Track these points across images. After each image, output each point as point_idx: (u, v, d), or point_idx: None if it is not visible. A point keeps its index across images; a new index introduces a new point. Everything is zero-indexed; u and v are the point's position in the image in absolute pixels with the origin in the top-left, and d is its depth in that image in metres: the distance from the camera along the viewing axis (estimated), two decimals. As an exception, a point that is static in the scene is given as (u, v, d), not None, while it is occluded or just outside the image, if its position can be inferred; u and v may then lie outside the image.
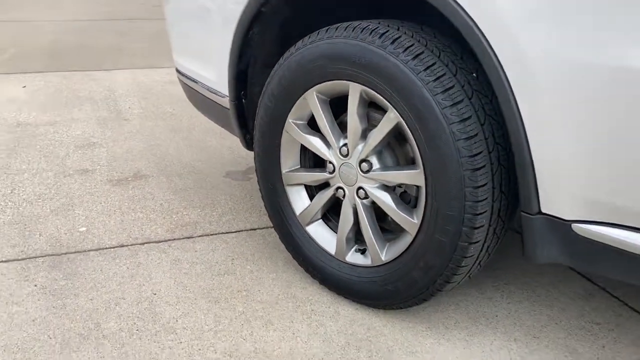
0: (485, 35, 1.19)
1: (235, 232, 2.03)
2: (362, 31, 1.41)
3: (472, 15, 1.20)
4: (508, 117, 1.21)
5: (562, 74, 1.11)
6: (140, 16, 6.66)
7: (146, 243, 1.94)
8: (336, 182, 1.59)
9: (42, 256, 1.84)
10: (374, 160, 1.50)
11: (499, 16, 1.16)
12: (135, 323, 1.53)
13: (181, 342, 1.46)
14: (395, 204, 1.47)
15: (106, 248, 1.90)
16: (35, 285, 1.69)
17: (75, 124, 3.16)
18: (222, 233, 2.02)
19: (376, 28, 1.39)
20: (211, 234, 2.00)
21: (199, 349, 1.44)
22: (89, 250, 1.89)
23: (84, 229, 2.03)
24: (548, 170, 1.20)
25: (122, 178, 2.46)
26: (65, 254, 1.86)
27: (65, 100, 3.59)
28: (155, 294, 1.66)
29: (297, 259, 1.74)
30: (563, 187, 1.19)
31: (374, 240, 1.53)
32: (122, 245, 1.92)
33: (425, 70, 1.31)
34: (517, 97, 1.18)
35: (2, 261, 1.81)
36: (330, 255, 1.65)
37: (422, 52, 1.33)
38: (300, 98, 1.58)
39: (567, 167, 1.17)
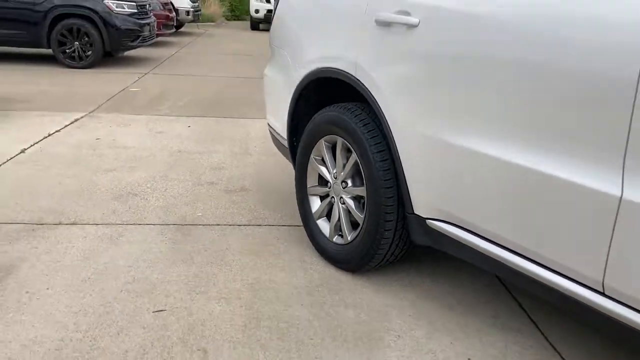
0: (383, 112, 2.29)
1: (287, 225, 3.21)
2: (343, 109, 2.56)
3: (377, 102, 2.31)
4: (395, 159, 2.29)
5: (410, 137, 2.18)
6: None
7: (232, 225, 3.19)
8: (331, 194, 2.73)
9: (173, 224, 3.17)
10: (348, 181, 2.62)
11: (391, 109, 2.26)
12: (210, 259, 2.77)
13: (231, 271, 2.67)
14: (355, 207, 2.57)
15: (209, 225, 3.19)
16: (166, 237, 3.01)
17: (215, 154, 4.58)
18: (279, 225, 3.22)
19: (350, 108, 2.54)
20: (272, 225, 3.21)
21: (239, 274, 2.63)
22: (199, 225, 3.18)
23: (200, 214, 3.34)
24: (414, 190, 2.25)
25: (232, 189, 3.78)
26: (186, 225, 3.18)
27: (213, 137, 5.07)
28: (227, 249, 2.89)
29: (311, 240, 2.89)
30: (420, 198, 2.24)
31: (345, 229, 2.64)
32: (219, 224, 3.19)
33: (368, 132, 2.42)
34: (398, 148, 2.26)
35: (150, 224, 3.16)
36: (326, 237, 2.77)
37: (369, 123, 2.45)
38: (317, 144, 2.76)
39: (420, 189, 2.22)
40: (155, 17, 10.89)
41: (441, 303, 2.48)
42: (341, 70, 2.51)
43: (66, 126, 5.22)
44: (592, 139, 1.58)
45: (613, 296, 1.61)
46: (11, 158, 4.19)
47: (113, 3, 8.87)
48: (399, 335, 2.22)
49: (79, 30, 8.67)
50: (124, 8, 8.96)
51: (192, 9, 14.72)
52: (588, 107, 1.58)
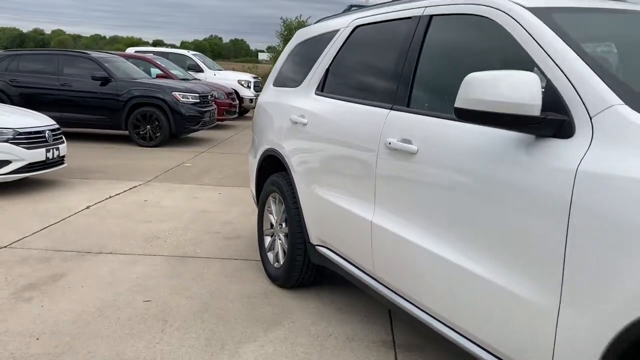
0: (293, 177, 3.57)
1: (257, 260, 4.47)
2: (280, 175, 3.86)
3: (290, 171, 3.60)
4: (299, 206, 3.54)
5: (304, 193, 3.44)
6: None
7: (218, 258, 4.48)
8: (274, 233, 4.00)
9: (177, 256, 4.50)
10: (283, 224, 3.88)
11: (296, 175, 3.54)
12: (192, 276, 4.05)
13: (203, 283, 3.93)
14: (285, 241, 3.82)
15: (202, 257, 4.49)
16: (169, 263, 4.33)
17: (229, 213, 5.94)
18: (251, 260, 4.47)
19: (283, 174, 3.83)
20: (246, 259, 4.48)
21: (207, 285, 3.89)
22: (195, 257, 4.49)
23: (199, 251, 4.66)
24: (308, 226, 3.49)
25: (230, 237, 5.09)
26: (186, 257, 4.50)
27: (234, 202, 6.46)
28: (207, 272, 4.16)
29: (263, 266, 4.13)
30: (312, 232, 3.47)
31: (280, 257, 3.88)
32: (208, 258, 4.49)
33: (289, 190, 3.70)
34: (300, 199, 3.52)
35: (161, 255, 4.50)
36: (271, 263, 4.01)
37: (291, 184, 3.73)
38: (267, 199, 4.06)
39: (311, 225, 3.45)
40: (218, 104, 12.73)
41: (335, 307, 3.64)
42: (277, 150, 3.84)
43: (125, 191, 6.77)
44: (364, 191, 2.80)
45: (379, 280, 2.77)
46: (78, 212, 5.72)
47: (180, 94, 10.72)
48: (293, 322, 3.40)
49: (151, 116, 10.52)
50: (188, 99, 10.79)
51: (255, 97, 16.66)
52: (359, 173, 2.82)
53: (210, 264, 4.35)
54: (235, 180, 7.71)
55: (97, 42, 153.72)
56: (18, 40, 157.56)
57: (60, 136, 6.99)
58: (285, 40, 29.49)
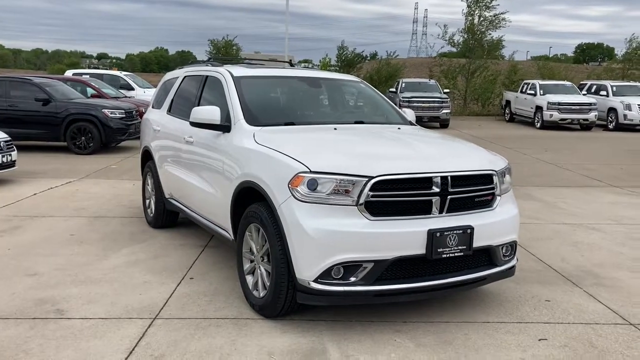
0: (155, 161, 6.30)
1: (144, 217, 7.15)
2: (152, 161, 6.59)
3: (153, 158, 6.33)
4: (159, 177, 6.27)
5: (161, 170, 6.18)
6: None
7: (120, 217, 7.13)
8: (150, 196, 6.71)
9: (94, 217, 7.13)
10: (154, 190, 6.60)
11: (156, 160, 6.27)
12: (102, 225, 6.71)
13: (108, 225, 6.59)
14: (153, 199, 6.54)
15: (108, 217, 7.13)
16: (88, 219, 6.97)
17: (136, 195, 8.55)
18: (141, 217, 7.15)
19: (153, 162, 6.57)
20: (138, 217, 7.14)
21: (109, 227, 6.55)
22: (105, 217, 7.14)
23: (108, 214, 7.31)
24: (163, 186, 6.20)
25: (132, 207, 7.73)
26: (99, 216, 7.13)
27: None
28: (111, 222, 6.83)
29: (145, 217, 6.83)
30: (165, 190, 6.18)
31: (153, 209, 6.58)
32: (114, 217, 7.14)
33: (155, 169, 6.43)
34: (159, 173, 6.24)
35: (84, 216, 7.13)
36: (148, 214, 6.71)
37: (155, 166, 6.46)
38: (146, 175, 6.77)
39: (165, 186, 6.16)
40: (144, 118, 15.25)
41: (182, 233, 6.34)
42: (149, 147, 6.55)
43: (63, 184, 9.30)
44: (179, 162, 5.55)
45: (188, 207, 5.53)
46: (28, 196, 8.25)
47: (108, 111, 13.23)
48: (154, 241, 6.10)
49: (85, 129, 12.98)
50: (116, 114, 13.32)
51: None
52: (177, 155, 5.57)
53: (115, 220, 7.01)
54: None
55: (39, 56, 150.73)
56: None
57: (11, 145, 9.47)
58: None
